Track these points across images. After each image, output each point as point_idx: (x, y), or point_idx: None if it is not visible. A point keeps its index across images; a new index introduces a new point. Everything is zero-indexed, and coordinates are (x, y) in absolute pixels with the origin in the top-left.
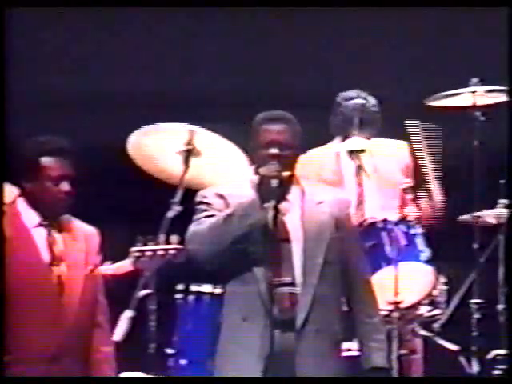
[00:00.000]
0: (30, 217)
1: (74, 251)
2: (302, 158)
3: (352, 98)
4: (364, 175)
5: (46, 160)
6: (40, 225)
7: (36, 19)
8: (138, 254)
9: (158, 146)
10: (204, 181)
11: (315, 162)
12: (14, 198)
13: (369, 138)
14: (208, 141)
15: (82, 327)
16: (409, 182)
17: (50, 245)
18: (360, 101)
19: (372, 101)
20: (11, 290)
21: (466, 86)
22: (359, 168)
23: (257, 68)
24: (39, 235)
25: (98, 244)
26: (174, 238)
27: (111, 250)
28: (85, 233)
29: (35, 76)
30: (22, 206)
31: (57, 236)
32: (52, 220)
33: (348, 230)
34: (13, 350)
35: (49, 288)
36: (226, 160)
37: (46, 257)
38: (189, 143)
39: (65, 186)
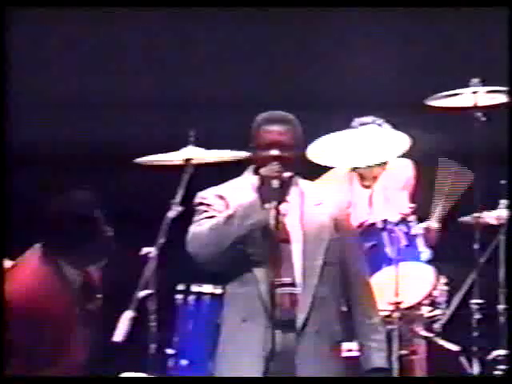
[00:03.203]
0: (72, 278)
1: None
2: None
3: (367, 123)
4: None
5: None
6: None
7: (36, 19)
8: None
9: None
10: None
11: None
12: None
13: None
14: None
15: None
16: (413, 207)
17: (82, 306)
18: (375, 126)
19: (386, 126)
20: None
21: (467, 86)
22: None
23: (257, 68)
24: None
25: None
26: None
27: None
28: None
29: (35, 76)
30: (66, 267)
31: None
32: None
33: (347, 230)
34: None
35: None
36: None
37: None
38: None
39: (109, 232)
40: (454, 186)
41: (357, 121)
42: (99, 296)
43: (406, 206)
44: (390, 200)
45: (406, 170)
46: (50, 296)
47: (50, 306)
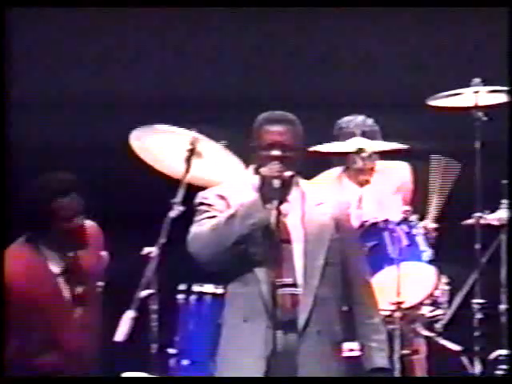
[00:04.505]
0: (54, 262)
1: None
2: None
3: (351, 120)
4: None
5: (60, 201)
6: (64, 271)
7: (36, 19)
8: None
9: (160, 146)
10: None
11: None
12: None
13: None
14: (209, 148)
15: None
16: (407, 210)
17: (72, 290)
18: (359, 118)
19: (369, 120)
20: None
21: (467, 86)
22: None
23: (257, 69)
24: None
25: (101, 241)
26: None
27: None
28: (91, 238)
29: (35, 76)
30: (47, 251)
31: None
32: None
33: (347, 231)
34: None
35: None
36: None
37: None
38: (192, 145)
39: (80, 221)
40: (444, 182)
41: (340, 121)
42: (99, 283)
43: (399, 210)
44: (381, 203)
45: (403, 174)
46: (31, 281)
47: (32, 289)
